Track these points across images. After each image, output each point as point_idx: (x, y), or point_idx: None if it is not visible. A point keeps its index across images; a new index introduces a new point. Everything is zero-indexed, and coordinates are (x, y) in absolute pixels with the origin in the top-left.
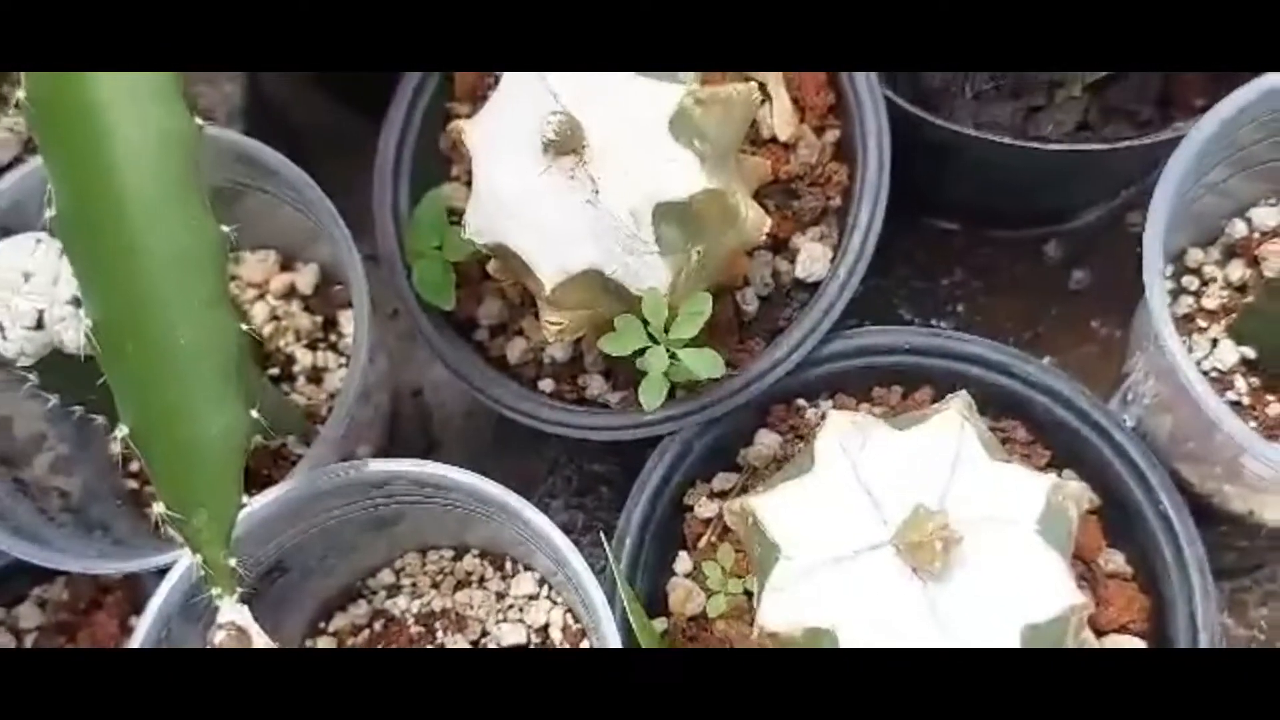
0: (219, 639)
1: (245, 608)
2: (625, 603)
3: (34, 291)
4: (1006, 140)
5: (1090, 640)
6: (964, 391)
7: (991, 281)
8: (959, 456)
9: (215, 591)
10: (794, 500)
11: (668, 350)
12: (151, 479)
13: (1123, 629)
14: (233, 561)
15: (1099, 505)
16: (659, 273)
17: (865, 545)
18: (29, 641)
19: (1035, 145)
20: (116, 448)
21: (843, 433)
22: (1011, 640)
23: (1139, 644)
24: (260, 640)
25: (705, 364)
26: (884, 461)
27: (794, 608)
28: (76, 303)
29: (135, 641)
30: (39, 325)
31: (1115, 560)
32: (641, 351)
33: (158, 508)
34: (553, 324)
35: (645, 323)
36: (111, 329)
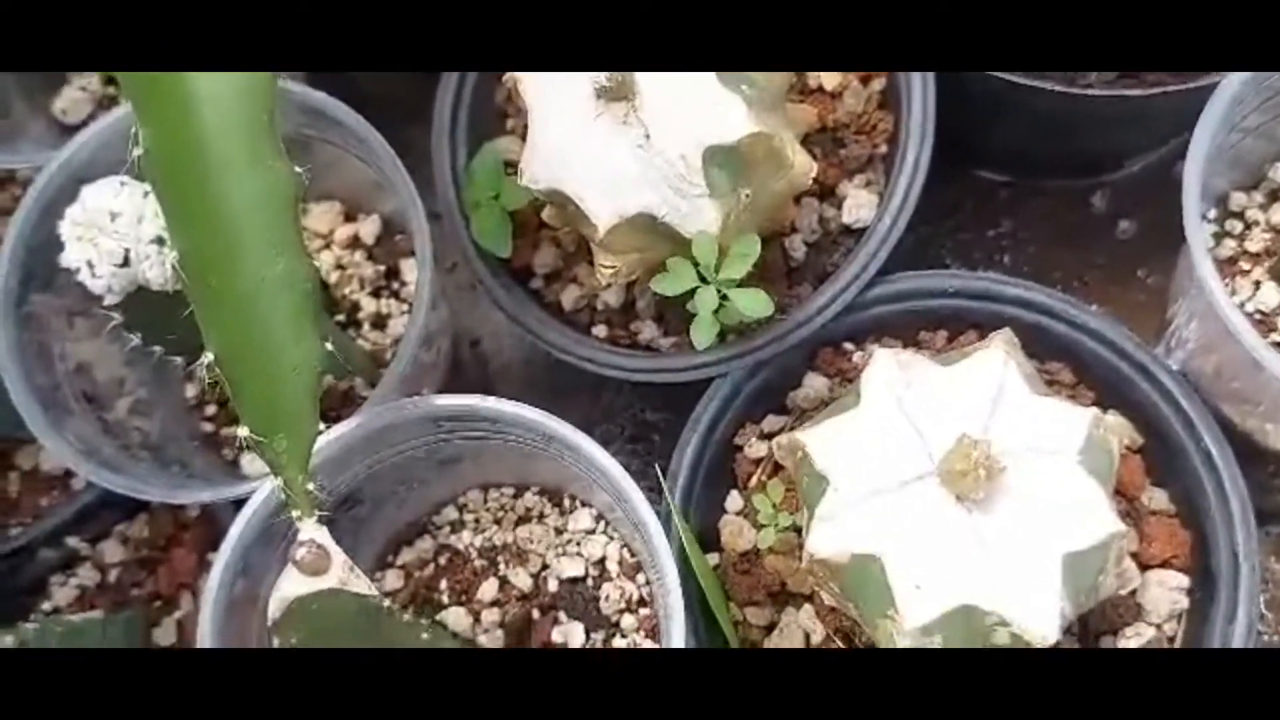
0: (299, 555)
1: (324, 528)
2: (681, 534)
3: (120, 231)
4: (1048, 86)
5: (1131, 572)
6: (1007, 328)
7: (1039, 232)
8: (1002, 390)
9: (295, 514)
10: (841, 434)
11: (718, 290)
12: (234, 405)
13: (1165, 564)
14: (311, 485)
15: (1142, 444)
16: (709, 215)
17: (911, 476)
18: (113, 575)
19: (1077, 91)
20: (192, 391)
21: (888, 369)
22: (1054, 567)
23: (1183, 579)
24: (338, 557)
25: (755, 303)
26: (928, 395)
27: (842, 535)
28: (159, 242)
29: (215, 570)
30: (125, 263)
31: (1158, 498)
32: (692, 292)
33: (242, 432)
34: (606, 267)
35: (696, 264)
36: (195, 262)
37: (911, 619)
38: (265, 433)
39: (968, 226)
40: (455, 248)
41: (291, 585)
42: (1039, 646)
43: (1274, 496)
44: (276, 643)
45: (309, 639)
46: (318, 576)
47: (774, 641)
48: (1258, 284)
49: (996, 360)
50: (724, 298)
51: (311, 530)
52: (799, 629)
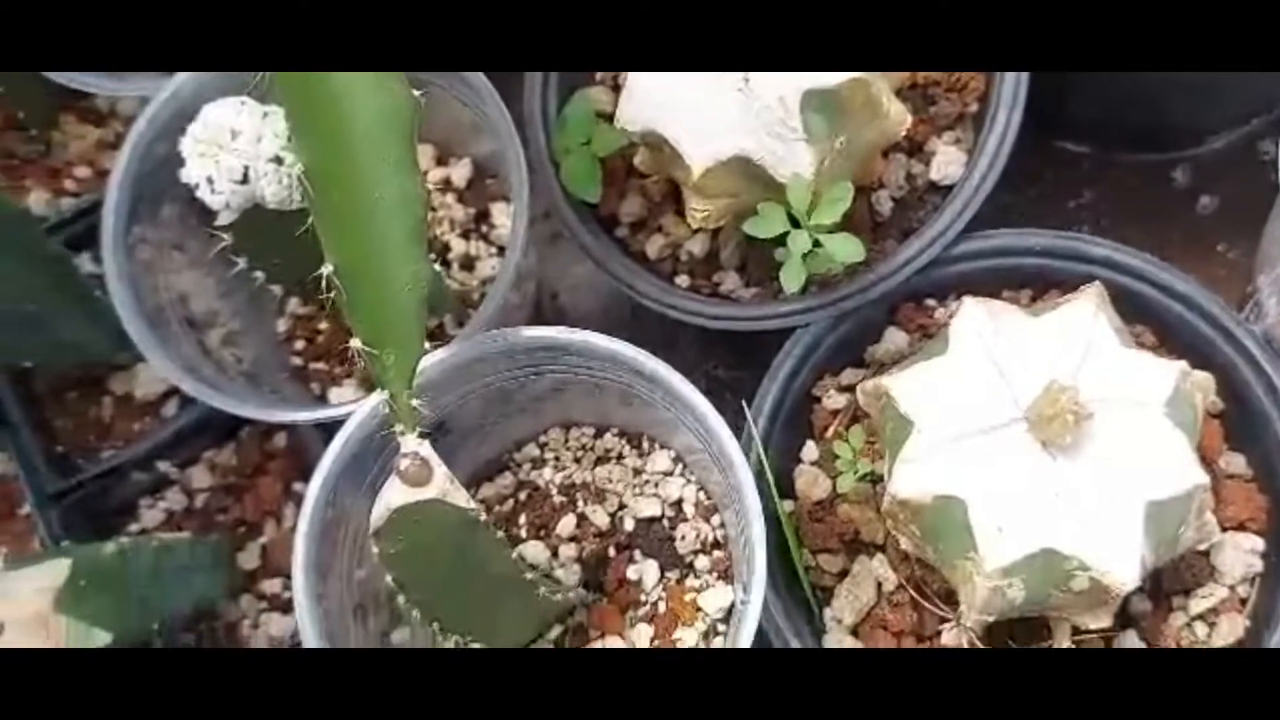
0: (404, 466)
1: (426, 442)
2: (764, 464)
3: (239, 148)
4: None
5: (1212, 525)
6: (1098, 282)
7: (1119, 204)
8: (1091, 341)
9: (398, 428)
10: (927, 379)
11: (810, 234)
12: (348, 316)
13: (1241, 527)
14: (415, 401)
15: (1222, 409)
16: (804, 159)
17: (997, 421)
18: (200, 500)
19: None
20: (283, 325)
21: (977, 317)
22: (1137, 515)
23: (1258, 543)
24: (440, 470)
25: (847, 248)
26: (1017, 344)
27: (925, 477)
28: (277, 161)
29: (307, 504)
30: (244, 180)
31: (1236, 462)
32: (779, 241)
33: (354, 343)
34: (698, 211)
35: (788, 209)
36: (319, 176)
37: (992, 560)
38: (375, 344)
39: (1049, 197)
40: (543, 199)
41: (394, 495)
42: (1118, 592)
43: None
44: (376, 551)
45: (409, 549)
46: (420, 488)
47: (845, 588)
48: None
49: (1087, 312)
50: (816, 244)
51: (414, 444)
52: (871, 577)
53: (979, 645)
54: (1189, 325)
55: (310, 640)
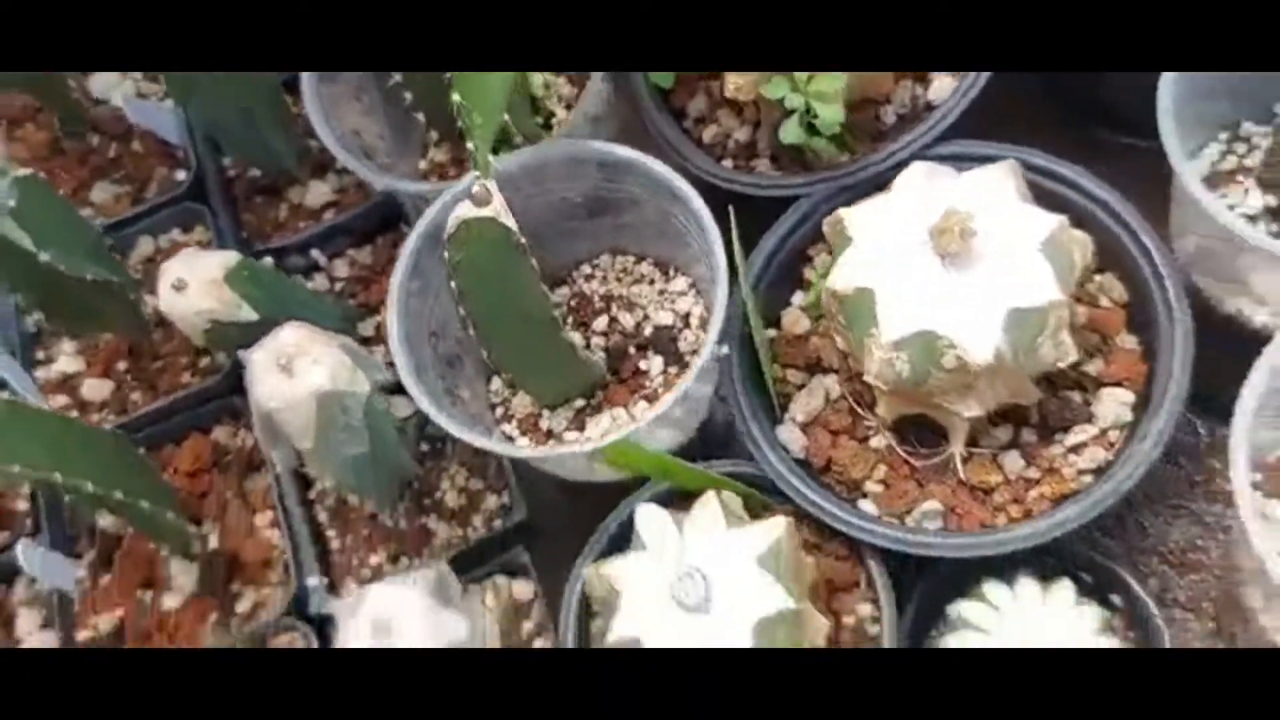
0: (474, 190)
1: (494, 181)
2: (748, 300)
3: None
4: None
5: (1068, 345)
6: (1012, 159)
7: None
8: (996, 194)
9: (476, 174)
10: (871, 212)
11: (805, 98)
12: (456, 84)
13: (1119, 384)
14: (491, 157)
15: (1126, 300)
16: None
17: (912, 241)
18: (339, 287)
19: None
20: (424, 165)
21: (918, 173)
22: (999, 314)
23: (1129, 397)
24: (499, 200)
25: (832, 112)
26: (941, 192)
27: (851, 275)
28: None
29: (401, 259)
30: None
31: (1130, 341)
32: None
33: (455, 97)
34: (732, 83)
35: (794, 82)
36: None
37: (887, 335)
38: (469, 102)
39: None
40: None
41: (463, 209)
42: (975, 369)
43: None
44: (447, 256)
45: (469, 259)
46: (482, 207)
47: (802, 396)
48: (1246, 191)
49: (998, 175)
50: (809, 110)
51: (485, 181)
52: (823, 389)
53: (894, 445)
54: (1103, 226)
55: (402, 366)
